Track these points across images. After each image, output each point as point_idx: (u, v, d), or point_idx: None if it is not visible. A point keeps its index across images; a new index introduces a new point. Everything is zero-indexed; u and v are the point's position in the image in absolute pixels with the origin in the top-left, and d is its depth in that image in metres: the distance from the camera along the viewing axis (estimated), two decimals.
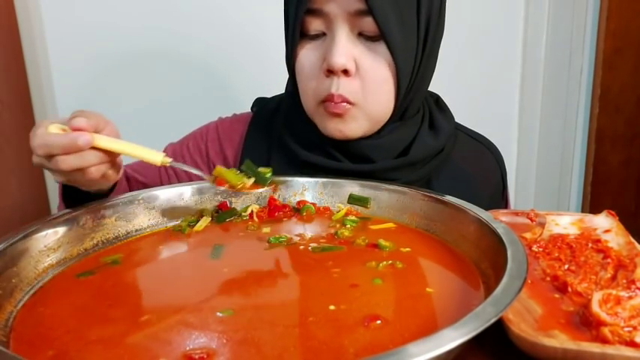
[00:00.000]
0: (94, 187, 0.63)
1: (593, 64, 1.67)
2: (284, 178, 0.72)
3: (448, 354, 0.33)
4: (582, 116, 1.73)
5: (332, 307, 0.45)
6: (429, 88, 0.84)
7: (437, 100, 0.84)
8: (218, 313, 0.45)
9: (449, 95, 0.90)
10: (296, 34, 0.69)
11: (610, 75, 1.66)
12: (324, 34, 0.69)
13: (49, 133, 0.56)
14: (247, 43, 1.37)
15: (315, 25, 0.68)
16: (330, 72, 0.67)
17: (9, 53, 1.23)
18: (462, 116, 0.88)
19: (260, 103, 0.87)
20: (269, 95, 0.89)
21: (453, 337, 0.33)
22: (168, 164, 0.60)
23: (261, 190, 0.65)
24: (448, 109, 0.84)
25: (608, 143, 1.73)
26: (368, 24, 0.65)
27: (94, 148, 0.56)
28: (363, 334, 0.41)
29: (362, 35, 0.67)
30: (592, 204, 1.75)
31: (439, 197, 0.62)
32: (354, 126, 0.71)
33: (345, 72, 0.67)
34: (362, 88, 0.68)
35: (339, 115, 0.69)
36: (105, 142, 0.57)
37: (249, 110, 0.88)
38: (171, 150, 0.87)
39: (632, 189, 1.79)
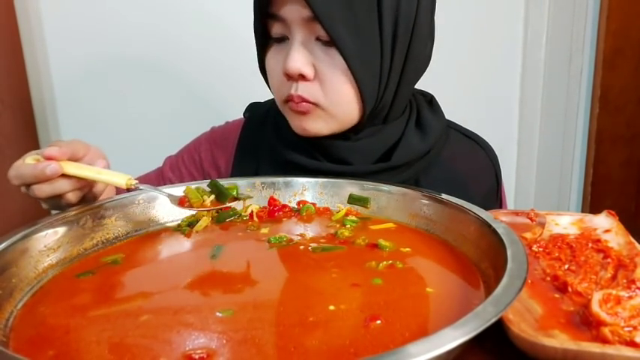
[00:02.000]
0: None
1: (593, 65, 1.67)
2: (271, 179, 0.72)
3: (448, 354, 0.33)
4: (582, 116, 1.73)
5: (332, 307, 0.45)
6: (430, 90, 0.83)
7: (431, 100, 0.82)
8: (218, 313, 0.45)
9: (448, 95, 0.89)
10: (258, 38, 0.71)
11: (610, 75, 1.66)
12: (287, 38, 0.69)
13: (23, 164, 0.59)
14: (247, 47, 1.37)
15: (276, 29, 0.69)
16: (289, 76, 0.68)
17: (9, 53, 1.23)
18: (462, 116, 0.88)
19: (252, 109, 0.87)
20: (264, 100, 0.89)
21: (453, 337, 0.33)
22: (133, 187, 0.62)
23: (228, 205, 0.66)
24: (440, 109, 0.82)
25: (608, 143, 1.73)
26: (321, 29, 0.65)
27: (65, 175, 0.59)
28: (363, 334, 0.41)
29: (320, 40, 0.67)
30: (592, 204, 1.76)
31: (439, 197, 0.62)
32: (317, 125, 0.71)
33: (302, 77, 0.67)
34: (322, 90, 0.68)
35: (302, 113, 0.70)
36: (72, 169, 0.60)
37: (242, 116, 0.88)
38: (169, 163, 0.89)
39: (632, 189, 1.79)
